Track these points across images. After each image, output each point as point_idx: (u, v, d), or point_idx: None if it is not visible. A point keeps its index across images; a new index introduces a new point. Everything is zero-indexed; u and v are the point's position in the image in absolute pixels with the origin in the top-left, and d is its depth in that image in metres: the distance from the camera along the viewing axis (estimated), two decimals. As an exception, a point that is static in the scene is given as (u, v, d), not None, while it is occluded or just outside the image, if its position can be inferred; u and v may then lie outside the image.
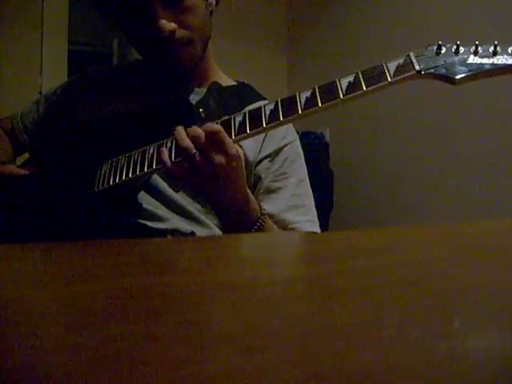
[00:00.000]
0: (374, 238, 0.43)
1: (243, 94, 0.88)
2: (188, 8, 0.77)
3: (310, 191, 0.88)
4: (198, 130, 0.64)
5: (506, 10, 1.65)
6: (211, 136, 0.63)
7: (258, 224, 0.72)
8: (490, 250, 0.35)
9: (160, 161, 0.66)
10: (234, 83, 0.92)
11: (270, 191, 0.82)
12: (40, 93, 1.92)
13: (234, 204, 0.69)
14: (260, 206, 0.74)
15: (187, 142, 0.63)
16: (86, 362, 0.14)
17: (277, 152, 0.84)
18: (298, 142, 0.89)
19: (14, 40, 2.17)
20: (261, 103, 0.86)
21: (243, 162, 0.71)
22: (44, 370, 0.14)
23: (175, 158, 0.66)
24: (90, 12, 3.43)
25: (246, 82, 0.94)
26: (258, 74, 2.32)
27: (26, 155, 0.98)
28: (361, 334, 0.17)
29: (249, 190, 0.72)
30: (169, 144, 0.69)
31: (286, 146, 0.85)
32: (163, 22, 0.74)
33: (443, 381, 0.13)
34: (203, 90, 0.85)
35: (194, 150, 0.63)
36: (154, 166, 0.69)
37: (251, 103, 0.84)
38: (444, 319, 0.20)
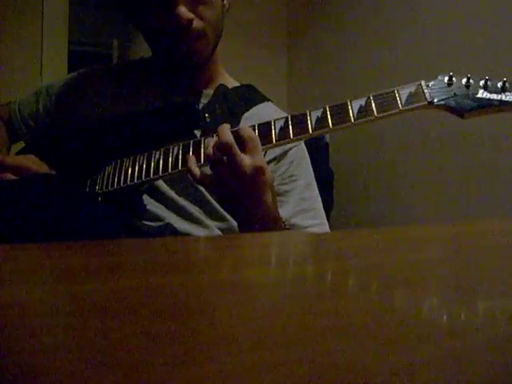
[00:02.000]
0: (374, 237, 0.43)
1: (248, 95, 0.88)
2: (207, 1, 0.77)
3: (318, 193, 0.87)
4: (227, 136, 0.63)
5: None
6: (247, 141, 0.63)
7: None
8: (491, 250, 0.35)
9: (189, 171, 0.65)
10: (239, 85, 0.92)
11: (278, 194, 0.82)
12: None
13: (259, 216, 0.67)
14: (285, 225, 0.73)
15: (212, 150, 0.62)
16: (86, 362, 0.14)
17: (282, 155, 0.84)
18: (303, 146, 0.89)
19: (14, 40, 2.17)
20: (265, 105, 0.86)
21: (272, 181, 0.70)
22: (44, 369, 0.14)
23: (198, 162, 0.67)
24: (90, 12, 3.44)
25: (247, 83, 0.94)
26: (258, 74, 2.32)
27: (22, 143, 0.97)
28: (361, 334, 0.17)
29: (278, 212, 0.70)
30: (175, 151, 0.69)
31: (291, 148, 0.85)
32: (182, 9, 0.74)
33: (443, 381, 0.13)
34: (209, 92, 0.84)
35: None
36: (161, 173, 0.69)
37: (256, 104, 0.84)
38: (444, 319, 0.20)
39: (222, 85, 0.85)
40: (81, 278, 0.27)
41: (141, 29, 0.83)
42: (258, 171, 0.63)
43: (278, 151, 0.83)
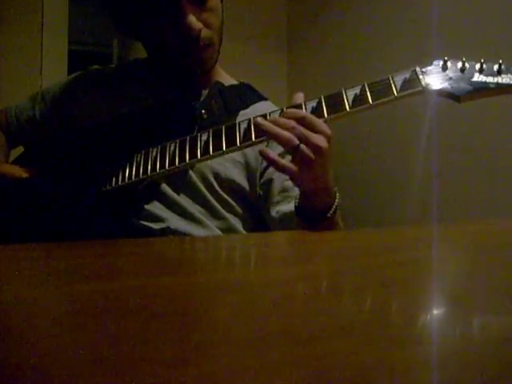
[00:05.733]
0: (373, 237, 0.43)
1: (245, 93, 0.88)
2: (212, 8, 0.76)
3: None
4: (286, 120, 0.60)
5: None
6: (302, 121, 0.60)
7: (334, 208, 0.67)
8: (490, 250, 0.35)
9: (269, 160, 0.61)
10: (236, 83, 0.92)
11: (286, 190, 0.81)
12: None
13: (325, 185, 0.64)
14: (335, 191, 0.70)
15: (287, 135, 0.59)
16: (86, 362, 0.14)
17: (283, 154, 0.83)
18: None
19: (14, 40, 2.17)
20: (263, 104, 0.86)
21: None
22: (44, 369, 0.14)
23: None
24: (90, 12, 3.44)
25: (246, 82, 0.93)
26: (258, 74, 2.31)
27: (20, 148, 0.97)
28: (360, 334, 0.17)
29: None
30: (172, 147, 0.69)
31: None
32: (193, 19, 0.73)
33: (443, 381, 0.13)
34: (207, 93, 0.84)
35: (297, 141, 0.59)
36: (158, 170, 0.69)
37: (253, 103, 0.84)
38: (444, 319, 0.20)
39: (218, 82, 0.85)
40: (81, 278, 0.27)
41: (140, 39, 0.82)
42: (330, 136, 0.61)
43: (278, 151, 0.83)
